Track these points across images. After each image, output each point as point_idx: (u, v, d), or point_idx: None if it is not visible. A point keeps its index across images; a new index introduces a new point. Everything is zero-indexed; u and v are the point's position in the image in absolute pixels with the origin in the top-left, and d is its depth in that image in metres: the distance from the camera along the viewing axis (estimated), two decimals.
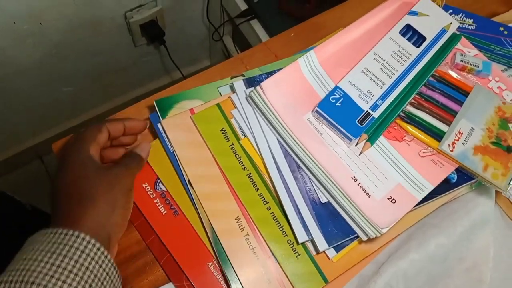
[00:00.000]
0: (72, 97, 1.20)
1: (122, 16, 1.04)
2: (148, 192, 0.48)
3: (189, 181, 0.48)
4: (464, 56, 0.54)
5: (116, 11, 1.02)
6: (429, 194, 0.47)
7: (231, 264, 0.45)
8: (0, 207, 0.76)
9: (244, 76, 0.54)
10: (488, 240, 0.51)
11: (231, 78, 0.55)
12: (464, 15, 0.62)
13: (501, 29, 0.62)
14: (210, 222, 0.46)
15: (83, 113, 1.30)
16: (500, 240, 0.51)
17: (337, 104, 0.48)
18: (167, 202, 0.48)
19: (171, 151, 0.50)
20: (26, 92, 1.09)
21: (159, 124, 0.51)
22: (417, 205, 0.47)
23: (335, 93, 0.49)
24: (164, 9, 1.09)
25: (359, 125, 0.47)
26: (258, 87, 0.49)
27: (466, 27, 0.62)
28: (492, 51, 0.60)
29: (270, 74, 0.53)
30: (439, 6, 0.58)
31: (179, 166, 0.49)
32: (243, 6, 1.01)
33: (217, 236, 0.46)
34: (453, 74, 0.53)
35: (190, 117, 0.51)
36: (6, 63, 0.96)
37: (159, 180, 0.49)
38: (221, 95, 0.54)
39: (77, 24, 0.98)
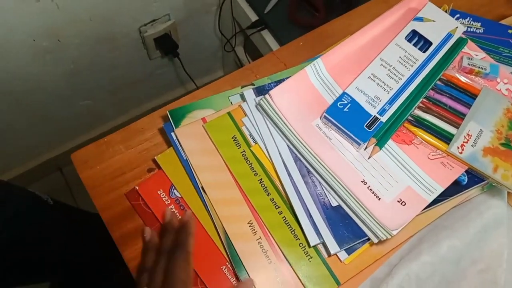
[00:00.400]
0: (90, 110, 1.23)
1: (137, 31, 1.07)
2: (163, 199, 0.50)
3: (202, 187, 0.50)
4: (471, 59, 0.54)
5: (130, 26, 1.05)
6: (440, 196, 0.48)
7: (244, 267, 0.46)
8: (21, 202, 0.78)
9: (254, 85, 0.56)
10: (502, 242, 0.51)
11: (241, 88, 0.56)
12: (471, 19, 0.63)
13: (510, 31, 0.62)
14: (223, 227, 0.48)
15: (101, 125, 1.33)
16: None
17: (345, 109, 0.49)
18: (182, 208, 0.50)
19: (185, 159, 0.51)
20: (45, 106, 1.12)
21: (172, 133, 0.52)
22: (428, 207, 0.47)
23: (342, 99, 0.50)
24: (177, 23, 1.12)
25: (367, 129, 0.48)
26: (267, 95, 0.50)
27: (474, 30, 0.62)
28: (501, 53, 0.60)
29: (279, 82, 0.54)
30: (446, 11, 0.58)
31: (193, 173, 0.50)
32: (254, 17, 1.03)
33: (230, 240, 0.47)
34: (461, 77, 0.54)
35: (203, 125, 0.53)
36: (26, 78, 1.00)
37: (173, 187, 0.51)
38: (231, 104, 0.55)
39: (93, 40, 1.01)
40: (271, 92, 0.50)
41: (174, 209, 0.50)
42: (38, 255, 0.81)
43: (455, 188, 0.49)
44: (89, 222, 0.97)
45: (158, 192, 0.50)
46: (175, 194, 0.50)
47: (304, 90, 0.52)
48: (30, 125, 1.15)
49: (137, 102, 1.31)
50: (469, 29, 0.62)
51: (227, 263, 0.48)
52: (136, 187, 0.51)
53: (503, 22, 0.65)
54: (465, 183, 0.50)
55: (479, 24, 0.63)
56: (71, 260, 0.91)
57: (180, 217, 0.49)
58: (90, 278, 1.02)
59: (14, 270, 0.78)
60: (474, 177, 0.50)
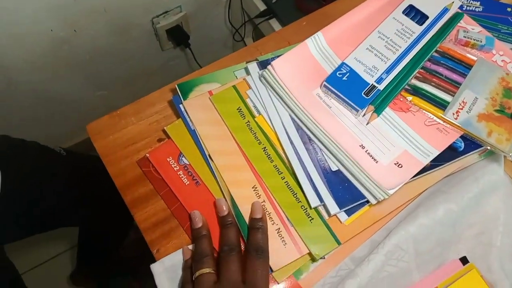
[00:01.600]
0: (104, 100, 1.27)
1: (149, 22, 1.11)
2: (172, 165, 0.53)
3: (209, 155, 0.52)
4: (467, 32, 0.56)
5: (143, 18, 1.08)
6: (436, 161, 0.50)
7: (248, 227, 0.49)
8: (35, 156, 0.82)
9: (258, 60, 0.59)
10: (498, 206, 0.53)
11: (246, 63, 0.59)
12: None
13: (509, 9, 0.64)
14: (229, 191, 0.50)
15: (95, 123, 1.37)
16: (511, 207, 0.53)
17: (344, 78, 0.52)
18: (190, 174, 0.53)
19: (192, 129, 0.54)
20: (62, 96, 1.17)
21: (181, 105, 0.55)
22: (425, 171, 0.49)
23: (341, 69, 0.52)
24: (188, 14, 1.15)
25: (365, 97, 0.51)
26: (269, 66, 0.53)
27: (473, 9, 0.64)
28: (500, 30, 0.62)
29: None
30: None
31: (200, 142, 0.53)
32: (262, 7, 1.06)
33: (235, 202, 0.50)
34: (457, 49, 0.56)
35: (209, 98, 0.56)
36: (43, 68, 1.04)
37: (182, 155, 0.54)
38: (236, 78, 0.58)
39: (108, 31, 1.05)
40: (273, 62, 0.53)
41: (182, 175, 0.53)
42: (56, 203, 0.85)
43: (451, 154, 0.51)
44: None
45: (168, 159, 0.53)
46: (183, 161, 0.53)
47: (305, 61, 0.54)
48: (46, 115, 1.20)
49: (150, 92, 1.35)
50: (468, 8, 0.64)
51: None
52: (147, 154, 0.54)
53: (502, 0, 0.66)
54: (461, 149, 0.52)
55: (478, 3, 0.64)
56: (89, 207, 0.95)
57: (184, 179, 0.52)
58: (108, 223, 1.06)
59: (36, 221, 0.81)
60: (471, 144, 0.52)
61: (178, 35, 1.16)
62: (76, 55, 1.07)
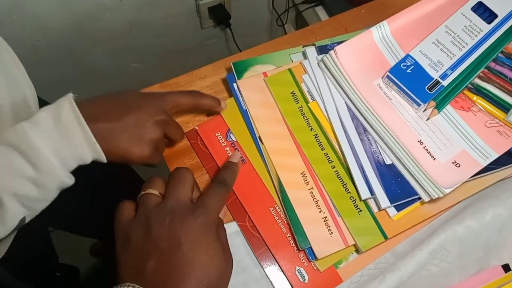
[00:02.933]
0: (138, 72, 1.27)
1: None
2: (220, 141, 0.53)
3: (259, 137, 0.52)
4: None
5: None
6: (492, 164, 0.49)
7: (295, 213, 0.48)
8: None
9: (315, 45, 0.57)
10: None
11: (302, 47, 0.58)
12: None
13: None
14: (277, 174, 0.50)
15: (147, 90, 1.37)
16: None
17: (408, 71, 0.50)
18: (237, 151, 0.52)
19: (244, 109, 0.53)
20: (98, 63, 1.17)
21: (234, 84, 0.55)
22: (480, 173, 0.48)
23: (406, 61, 0.51)
24: None
25: (428, 91, 0.49)
26: (331, 51, 0.52)
27: None
28: None
29: (340, 43, 0.56)
30: None
31: (251, 122, 0.52)
32: None
33: (283, 186, 0.49)
34: None
35: (264, 79, 0.55)
36: (84, 33, 1.04)
37: (230, 131, 0.53)
38: (292, 61, 0.57)
39: (152, 3, 1.04)
40: (336, 48, 0.51)
41: (229, 151, 0.52)
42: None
43: (508, 158, 0.50)
44: None
45: (216, 134, 0.53)
46: (231, 138, 0.53)
47: (368, 49, 0.53)
48: (81, 81, 1.20)
49: (184, 71, 1.34)
50: None
51: (275, 206, 0.50)
52: (196, 127, 0.53)
53: None
54: None
55: None
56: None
57: (230, 153, 0.51)
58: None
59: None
60: None
61: (219, 14, 1.15)
62: (117, 24, 1.06)
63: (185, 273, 0.35)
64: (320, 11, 1.02)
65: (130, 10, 1.04)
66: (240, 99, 0.54)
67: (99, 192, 0.84)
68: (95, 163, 0.43)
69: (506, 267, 0.50)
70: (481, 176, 0.49)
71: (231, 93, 0.55)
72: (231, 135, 0.53)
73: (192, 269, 0.36)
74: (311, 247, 0.47)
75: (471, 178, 0.48)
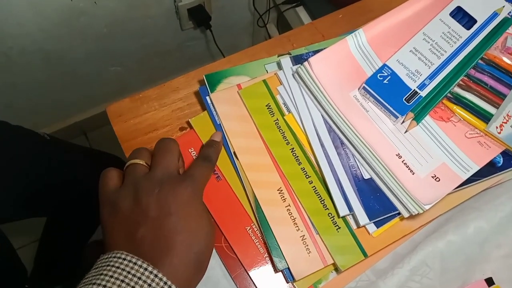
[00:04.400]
0: (118, 76, 1.24)
1: (171, 0, 1.07)
2: (194, 156, 0.51)
3: (234, 152, 0.50)
4: None
5: None
6: (473, 176, 0.47)
7: (272, 232, 0.46)
8: (17, 139, 0.80)
9: (290, 54, 0.55)
10: None
11: (278, 56, 0.56)
12: None
13: None
14: (253, 191, 0.48)
15: (128, 93, 1.35)
16: None
17: (385, 81, 0.49)
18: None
19: (218, 123, 0.51)
20: (76, 68, 1.14)
21: (208, 97, 0.53)
22: (461, 185, 0.47)
23: (382, 71, 0.49)
24: None
25: (406, 103, 0.48)
26: (305, 63, 0.50)
27: None
28: None
29: (316, 52, 0.54)
30: None
31: (225, 137, 0.50)
32: None
33: (259, 204, 0.47)
34: (504, 58, 0.52)
35: (238, 92, 0.53)
36: (60, 38, 1.01)
37: None
38: (267, 72, 0.55)
39: (128, 6, 1.02)
40: (310, 59, 0.50)
41: None
42: (32, 189, 0.83)
43: (489, 169, 0.48)
44: (89, 157, 0.97)
45: (189, 150, 0.51)
46: None
47: (344, 60, 0.51)
48: (59, 86, 1.18)
49: (165, 73, 1.32)
50: None
51: (252, 225, 0.48)
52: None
53: None
54: (500, 164, 0.49)
55: None
56: (63, 195, 0.92)
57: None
58: (79, 215, 1.02)
59: (8, 205, 0.79)
60: (510, 159, 0.49)
61: (199, 15, 1.12)
62: (93, 27, 1.04)
63: (175, 241, 0.36)
64: (301, 12, 1.00)
65: (106, 13, 1.01)
66: (214, 112, 0.52)
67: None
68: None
69: (489, 281, 0.48)
70: (462, 188, 0.48)
71: (205, 106, 0.53)
72: None
73: (182, 236, 0.36)
74: (288, 268, 0.45)
75: (452, 191, 0.47)
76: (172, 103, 0.55)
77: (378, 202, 0.47)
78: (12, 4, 0.88)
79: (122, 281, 0.32)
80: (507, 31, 0.54)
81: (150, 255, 0.35)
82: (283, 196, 0.48)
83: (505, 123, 0.48)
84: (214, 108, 0.52)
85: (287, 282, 0.46)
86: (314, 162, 0.49)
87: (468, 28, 0.52)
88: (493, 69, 0.52)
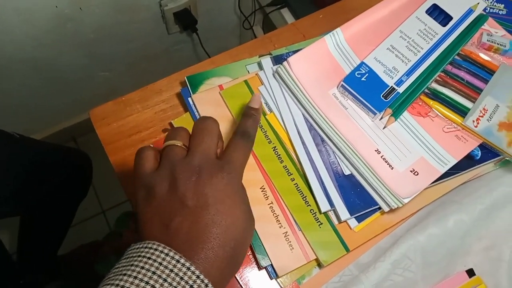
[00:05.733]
0: (107, 81, 1.24)
1: (157, 4, 1.08)
2: None
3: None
4: (491, 35, 0.54)
5: None
6: (452, 170, 0.48)
7: (255, 230, 0.47)
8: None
9: (271, 54, 0.56)
10: (510, 220, 0.51)
11: (258, 57, 0.57)
12: (495, 0, 0.62)
13: None
14: None
15: (118, 98, 1.35)
16: None
17: (363, 79, 0.49)
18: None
19: None
20: (64, 74, 1.14)
21: (189, 99, 0.53)
22: (440, 179, 0.48)
23: (360, 69, 0.50)
24: None
25: (384, 99, 0.48)
26: (285, 62, 0.51)
27: (497, 12, 0.61)
28: None
29: (296, 52, 0.54)
30: None
31: None
32: None
33: None
34: (479, 53, 0.53)
35: (219, 92, 0.53)
36: (47, 45, 1.02)
37: None
38: (248, 73, 0.56)
39: (114, 10, 1.02)
40: (289, 59, 0.50)
41: None
42: (4, 188, 0.82)
43: (468, 162, 0.49)
44: (61, 158, 0.97)
45: None
46: None
47: (322, 58, 0.52)
48: (48, 92, 1.18)
49: (153, 77, 1.31)
50: (491, 10, 0.61)
51: None
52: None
53: None
54: (478, 158, 0.50)
55: (502, 6, 0.62)
56: (27, 195, 0.91)
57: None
58: (44, 215, 1.02)
59: None
60: (487, 153, 0.50)
61: (185, 19, 1.13)
62: (81, 33, 1.04)
63: (211, 234, 0.34)
64: (286, 13, 1.00)
65: (93, 19, 1.01)
66: (196, 114, 0.53)
67: None
68: None
69: (470, 272, 0.49)
70: (441, 182, 0.49)
71: (187, 108, 0.53)
72: None
73: (219, 230, 0.34)
74: (271, 265, 0.46)
75: (431, 184, 0.48)
76: (155, 105, 0.56)
77: (358, 197, 0.47)
78: None
79: (154, 272, 0.30)
80: (482, 27, 0.55)
81: (184, 246, 0.33)
82: (266, 194, 0.49)
83: (482, 117, 0.49)
84: (196, 109, 0.52)
85: (271, 279, 0.47)
86: (296, 160, 0.50)
87: (444, 25, 0.53)
88: (469, 64, 0.53)
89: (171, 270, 0.30)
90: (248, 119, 0.42)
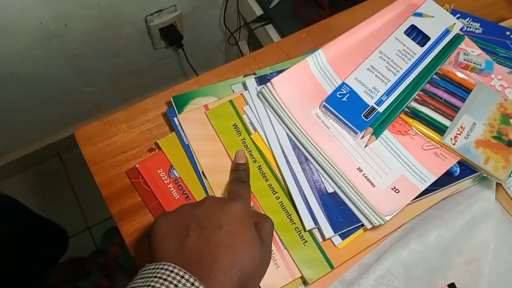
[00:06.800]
0: (92, 97, 1.24)
1: (143, 20, 1.08)
2: (163, 178, 0.52)
3: (202, 172, 0.51)
4: (467, 55, 0.56)
5: (137, 15, 1.06)
6: (432, 186, 0.50)
7: None
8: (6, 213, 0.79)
9: (256, 74, 0.57)
10: (489, 234, 0.52)
11: (243, 77, 0.58)
12: (471, 19, 0.64)
13: (508, 33, 0.63)
14: None
15: (103, 113, 1.35)
16: (501, 236, 0.53)
17: (344, 99, 0.51)
18: (180, 188, 0.51)
19: (186, 143, 0.53)
20: (49, 90, 1.14)
21: (175, 119, 0.54)
22: (420, 196, 0.49)
23: (342, 89, 0.51)
24: (183, 14, 1.13)
25: (365, 119, 0.50)
26: (268, 83, 0.52)
27: (473, 30, 0.64)
28: (498, 54, 0.62)
29: (280, 72, 0.56)
30: (447, 10, 0.60)
31: (194, 158, 0.52)
32: (259, 12, 1.05)
33: None
34: (457, 72, 0.55)
35: (205, 112, 0.54)
36: (31, 61, 1.01)
37: (173, 168, 0.52)
38: (233, 92, 0.57)
39: (100, 27, 1.03)
40: (272, 80, 0.51)
41: (172, 188, 0.51)
42: None
43: (447, 178, 0.51)
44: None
45: (158, 171, 0.52)
46: (174, 174, 0.52)
47: (305, 79, 0.53)
48: (32, 108, 1.17)
49: (139, 92, 1.33)
50: (468, 29, 0.63)
51: None
52: (136, 165, 0.52)
53: (502, 24, 0.66)
54: (457, 174, 0.51)
55: (478, 25, 0.64)
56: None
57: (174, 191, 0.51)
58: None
59: None
60: (466, 169, 0.52)
61: (171, 35, 1.14)
62: (65, 49, 1.04)
63: (221, 255, 0.36)
64: (270, 29, 1.02)
65: (78, 35, 1.02)
66: (182, 134, 0.53)
67: None
68: None
69: (452, 286, 0.50)
70: (422, 198, 0.50)
71: (173, 127, 0.54)
72: (174, 171, 0.52)
73: (228, 252, 0.36)
74: None
75: (412, 201, 0.49)
76: (141, 125, 0.56)
77: (342, 215, 0.48)
78: None
79: None
80: (459, 46, 0.57)
81: (197, 266, 0.35)
82: None
83: (459, 134, 0.51)
84: (182, 129, 0.53)
85: None
86: (281, 178, 0.51)
87: (422, 45, 0.55)
88: (447, 83, 0.55)
89: None
90: (239, 172, 0.49)
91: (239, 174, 0.48)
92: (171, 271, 0.33)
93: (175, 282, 0.33)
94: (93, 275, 1.24)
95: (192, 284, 0.33)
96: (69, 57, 1.08)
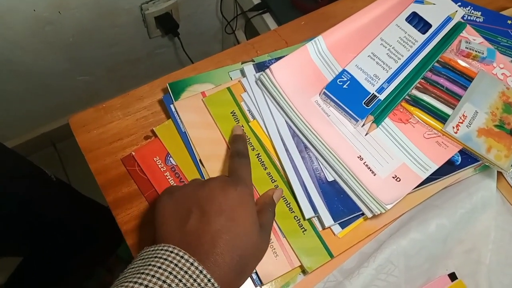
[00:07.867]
0: (87, 86, 1.23)
1: (138, 8, 1.07)
2: (159, 165, 0.51)
3: (200, 159, 0.50)
4: (469, 43, 0.55)
5: (132, 3, 1.04)
6: (433, 175, 0.49)
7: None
8: (29, 178, 0.79)
9: (254, 61, 0.56)
10: (489, 223, 0.52)
11: (241, 64, 0.57)
12: (472, 8, 0.63)
13: (509, 22, 0.63)
14: None
15: (98, 102, 1.33)
16: (501, 225, 0.53)
17: (344, 86, 0.50)
18: (177, 176, 0.50)
19: (183, 131, 0.52)
20: (43, 79, 1.12)
21: (172, 106, 0.53)
22: (421, 184, 0.48)
23: (342, 76, 0.50)
24: (179, 2, 1.12)
25: (365, 106, 0.49)
26: (267, 70, 0.51)
27: (474, 19, 0.63)
28: (499, 43, 0.61)
29: (279, 59, 0.54)
30: None
31: (191, 145, 0.51)
32: (256, 0, 1.03)
33: None
34: (458, 60, 0.54)
35: (202, 99, 0.53)
36: (26, 49, 1.00)
37: (169, 155, 0.51)
38: (231, 79, 0.55)
39: (94, 15, 1.01)
40: (271, 66, 0.50)
41: (169, 176, 0.50)
42: (27, 228, 0.81)
43: (448, 167, 0.50)
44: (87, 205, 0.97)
45: (154, 158, 0.51)
46: (171, 162, 0.51)
47: (304, 66, 0.52)
48: (27, 97, 1.16)
49: (134, 81, 1.32)
50: (469, 18, 0.63)
51: None
52: (132, 152, 0.51)
53: (503, 13, 0.65)
54: (458, 163, 0.51)
55: (479, 13, 0.63)
56: (58, 237, 0.91)
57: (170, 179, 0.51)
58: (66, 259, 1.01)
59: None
60: (467, 158, 0.51)
61: (167, 23, 1.12)
62: (60, 37, 1.03)
63: (221, 240, 0.36)
64: (268, 18, 1.01)
65: (72, 22, 1.00)
66: (179, 121, 0.52)
67: None
68: None
69: (452, 276, 0.50)
70: (423, 187, 0.50)
71: (169, 114, 0.53)
72: (170, 159, 0.51)
73: (228, 236, 0.37)
74: (256, 272, 0.46)
75: (413, 190, 0.49)
76: (137, 112, 0.55)
77: (342, 204, 0.48)
78: None
79: (170, 273, 0.32)
80: (461, 34, 0.56)
81: (197, 249, 0.35)
82: None
83: (461, 123, 0.50)
84: (178, 116, 0.52)
85: (256, 286, 0.47)
86: (280, 167, 0.50)
87: (424, 33, 0.54)
88: (449, 71, 0.54)
89: (186, 272, 0.33)
90: (238, 142, 0.48)
91: (238, 147, 0.47)
92: (171, 252, 0.34)
93: (175, 261, 0.33)
94: (97, 273, 1.23)
95: (192, 264, 0.33)
96: (63, 45, 1.06)
